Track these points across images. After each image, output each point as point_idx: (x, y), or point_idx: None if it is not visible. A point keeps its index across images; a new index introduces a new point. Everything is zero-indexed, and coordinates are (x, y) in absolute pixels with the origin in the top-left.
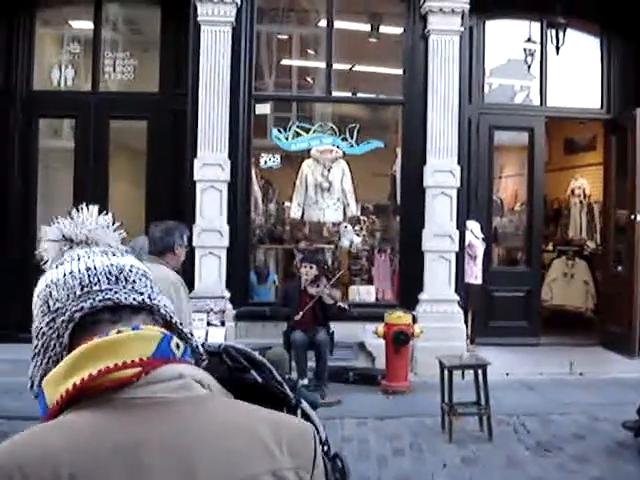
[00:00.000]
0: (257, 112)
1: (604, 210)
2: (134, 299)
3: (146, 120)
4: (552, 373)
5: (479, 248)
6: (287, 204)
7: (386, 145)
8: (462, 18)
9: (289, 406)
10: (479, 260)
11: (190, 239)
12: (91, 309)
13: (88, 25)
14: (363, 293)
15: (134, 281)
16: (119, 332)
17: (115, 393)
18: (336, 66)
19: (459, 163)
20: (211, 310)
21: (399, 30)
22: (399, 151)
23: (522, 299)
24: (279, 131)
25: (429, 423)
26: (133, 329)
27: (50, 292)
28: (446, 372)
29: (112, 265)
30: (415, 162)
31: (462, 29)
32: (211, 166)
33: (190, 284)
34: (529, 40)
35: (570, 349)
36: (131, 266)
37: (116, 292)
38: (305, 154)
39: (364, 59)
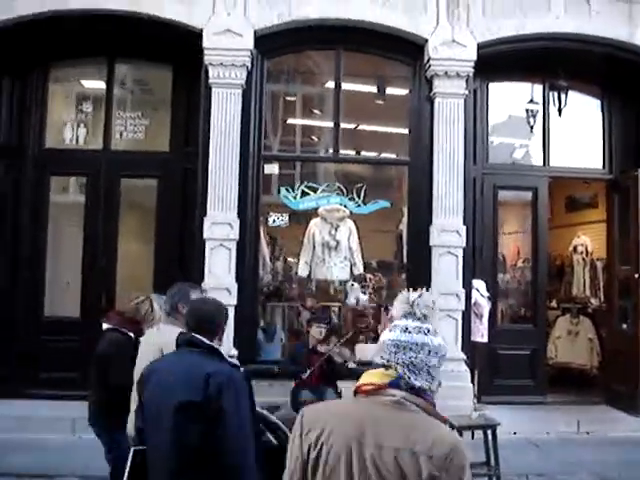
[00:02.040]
0: (266, 171)
1: (607, 267)
2: (397, 360)
3: (156, 178)
4: (559, 432)
5: (485, 307)
6: (293, 261)
7: (392, 204)
8: (466, 81)
9: None
10: (485, 319)
11: None
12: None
13: (100, 85)
14: (370, 351)
15: (405, 348)
16: (376, 370)
17: (363, 395)
18: (343, 126)
19: (464, 222)
20: None
21: (405, 92)
22: (405, 210)
23: (527, 357)
24: (287, 190)
25: None
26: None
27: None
28: (455, 432)
29: (397, 339)
30: (421, 221)
31: (467, 92)
32: (220, 225)
33: None
34: (531, 101)
35: (576, 407)
36: (405, 342)
37: (387, 357)
38: (312, 212)
39: (370, 119)
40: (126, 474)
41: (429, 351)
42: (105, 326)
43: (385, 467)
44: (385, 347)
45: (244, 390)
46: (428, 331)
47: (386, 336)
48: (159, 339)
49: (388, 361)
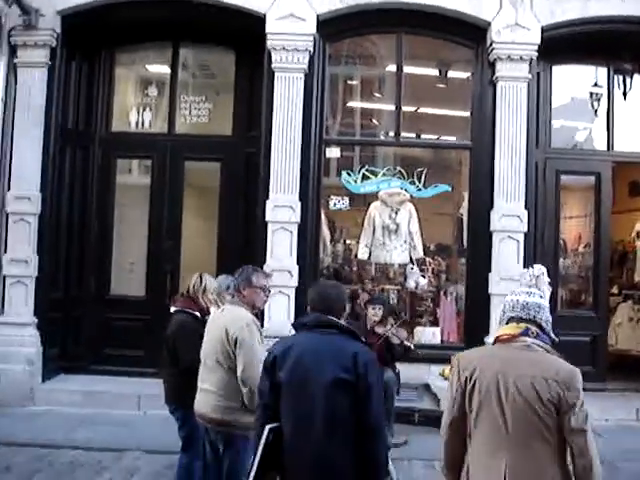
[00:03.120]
0: (327, 155)
1: None
2: (524, 315)
3: (219, 162)
4: (618, 419)
5: (546, 292)
6: (352, 244)
7: (452, 188)
8: (530, 65)
9: None
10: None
11: None
12: (509, 319)
13: (165, 69)
14: (428, 334)
15: (529, 307)
16: (509, 325)
17: (502, 342)
18: (404, 109)
19: (526, 207)
20: None
21: (466, 75)
22: (465, 194)
23: (588, 343)
24: (348, 174)
25: None
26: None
27: (504, 306)
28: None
29: (524, 301)
30: (482, 205)
31: (530, 76)
32: (283, 208)
33: (260, 323)
34: (595, 85)
35: (636, 395)
36: (529, 302)
37: (518, 313)
38: (373, 196)
39: (431, 103)
40: (260, 450)
41: (545, 309)
42: (172, 309)
43: (525, 389)
44: (515, 305)
45: (378, 366)
46: (541, 296)
47: (514, 297)
48: (223, 319)
49: (519, 317)
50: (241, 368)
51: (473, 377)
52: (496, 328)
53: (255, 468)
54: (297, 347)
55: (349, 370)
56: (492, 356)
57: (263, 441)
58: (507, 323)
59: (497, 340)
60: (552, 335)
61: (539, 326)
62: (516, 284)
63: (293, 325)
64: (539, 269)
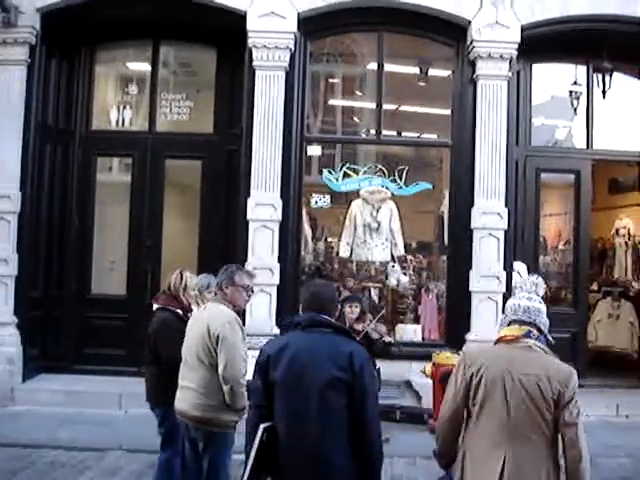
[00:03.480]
0: (308, 153)
1: None
2: (526, 319)
3: (200, 160)
4: (598, 415)
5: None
6: (334, 242)
7: (433, 186)
8: (510, 63)
9: None
10: None
11: None
12: (511, 321)
13: (145, 67)
14: (409, 332)
15: (530, 312)
16: (511, 327)
17: (506, 342)
18: (385, 107)
19: (506, 205)
20: None
21: (447, 73)
22: (446, 192)
23: (568, 340)
24: (329, 172)
25: None
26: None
27: (506, 309)
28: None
29: (526, 305)
30: (463, 203)
31: (510, 74)
32: (264, 206)
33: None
34: (575, 83)
35: (616, 391)
36: (530, 307)
37: (520, 317)
38: (354, 194)
39: (412, 101)
40: (254, 449)
41: (543, 313)
42: (155, 306)
43: (529, 386)
44: (517, 309)
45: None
46: (540, 302)
47: (516, 302)
48: (205, 316)
49: (521, 320)
50: (222, 366)
51: (479, 373)
52: (497, 329)
53: (250, 468)
54: (292, 346)
55: (345, 369)
56: (498, 355)
57: (257, 441)
58: (508, 325)
59: (501, 340)
60: (549, 337)
61: (538, 329)
62: (495, 282)
63: (285, 324)
64: (537, 277)
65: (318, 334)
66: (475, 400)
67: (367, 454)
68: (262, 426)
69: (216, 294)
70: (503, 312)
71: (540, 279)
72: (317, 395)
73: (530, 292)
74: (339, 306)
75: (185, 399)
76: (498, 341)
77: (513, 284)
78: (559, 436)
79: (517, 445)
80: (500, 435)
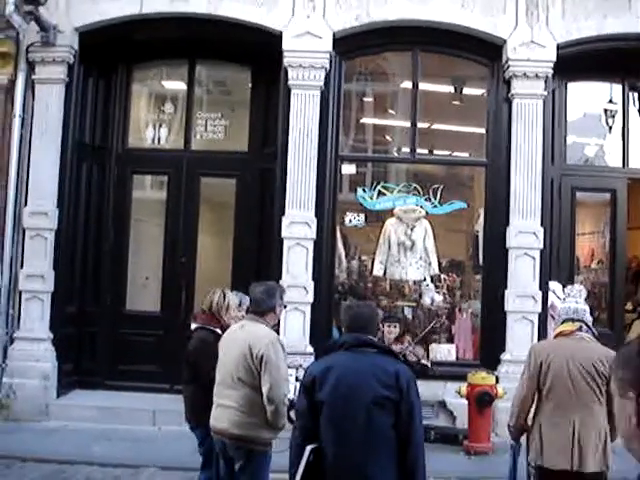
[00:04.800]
0: (343, 172)
1: None
2: (575, 317)
3: (235, 178)
4: None
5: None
6: (367, 260)
7: (468, 204)
8: (545, 82)
9: None
10: None
11: None
12: (564, 320)
13: (181, 85)
14: (444, 352)
15: (579, 312)
16: (566, 324)
17: (564, 335)
18: (419, 126)
19: (542, 224)
20: (300, 366)
21: (482, 92)
22: (481, 211)
23: None
24: (364, 190)
25: None
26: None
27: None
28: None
29: (575, 307)
30: (498, 222)
31: (545, 93)
32: (298, 224)
33: None
34: (610, 102)
35: None
36: (578, 308)
37: (571, 316)
38: (388, 212)
39: (446, 120)
40: (301, 470)
41: (587, 312)
42: (193, 326)
43: (588, 366)
44: (568, 310)
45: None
46: (585, 304)
47: (567, 305)
48: (245, 335)
49: (572, 318)
50: (267, 386)
51: (547, 360)
52: (554, 329)
53: None
54: (338, 367)
55: (392, 388)
56: (560, 346)
57: (304, 462)
58: (562, 323)
59: (559, 335)
60: (594, 330)
61: (586, 324)
62: (531, 301)
63: (329, 345)
64: (580, 285)
65: (363, 354)
66: (545, 382)
67: (411, 474)
68: (309, 447)
69: (247, 311)
70: (538, 331)
71: (583, 287)
72: (364, 415)
73: (577, 297)
74: (380, 326)
75: (224, 417)
76: (557, 335)
77: (549, 304)
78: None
79: (583, 413)
80: (568, 406)
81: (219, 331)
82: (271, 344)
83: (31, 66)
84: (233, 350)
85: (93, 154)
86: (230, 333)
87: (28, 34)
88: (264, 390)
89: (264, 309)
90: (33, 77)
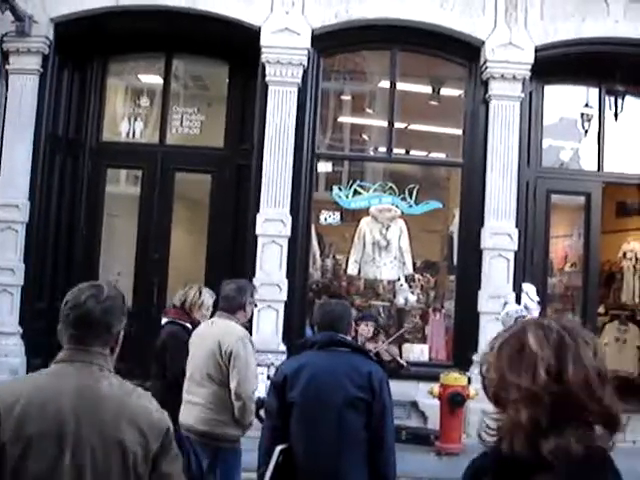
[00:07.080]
0: (319, 170)
1: None
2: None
3: (210, 174)
4: None
5: (534, 311)
6: (342, 259)
7: (443, 204)
8: (523, 84)
9: None
10: None
11: None
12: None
13: (157, 79)
14: (417, 352)
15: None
16: None
17: None
18: (397, 125)
19: (516, 226)
20: (272, 364)
21: (459, 93)
22: (456, 211)
23: None
24: (339, 189)
25: None
26: None
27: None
28: None
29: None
30: (472, 223)
31: (523, 95)
32: (273, 222)
33: None
34: (587, 105)
35: (622, 416)
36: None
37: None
38: (363, 211)
39: (424, 119)
40: (270, 471)
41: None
42: (164, 320)
43: None
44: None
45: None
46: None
47: (512, 308)
48: (215, 332)
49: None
50: (235, 382)
51: None
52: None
53: None
54: (310, 367)
55: (364, 389)
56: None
57: (273, 462)
58: None
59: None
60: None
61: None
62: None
63: (300, 343)
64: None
65: (335, 353)
66: None
67: (383, 474)
68: (278, 448)
69: (215, 308)
70: None
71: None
72: (336, 415)
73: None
74: (353, 325)
75: (192, 414)
76: None
77: (522, 305)
78: None
79: None
80: None
81: (189, 326)
82: (240, 340)
83: (5, 56)
84: (203, 347)
85: (67, 147)
86: (200, 330)
87: (3, 23)
88: (232, 386)
89: (234, 306)
90: (7, 67)
